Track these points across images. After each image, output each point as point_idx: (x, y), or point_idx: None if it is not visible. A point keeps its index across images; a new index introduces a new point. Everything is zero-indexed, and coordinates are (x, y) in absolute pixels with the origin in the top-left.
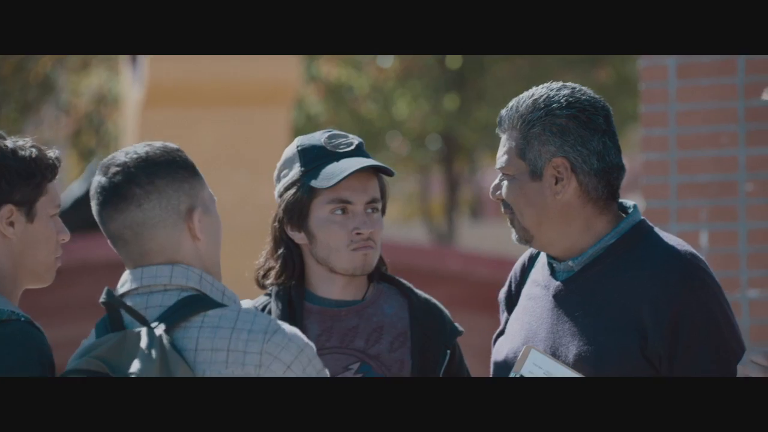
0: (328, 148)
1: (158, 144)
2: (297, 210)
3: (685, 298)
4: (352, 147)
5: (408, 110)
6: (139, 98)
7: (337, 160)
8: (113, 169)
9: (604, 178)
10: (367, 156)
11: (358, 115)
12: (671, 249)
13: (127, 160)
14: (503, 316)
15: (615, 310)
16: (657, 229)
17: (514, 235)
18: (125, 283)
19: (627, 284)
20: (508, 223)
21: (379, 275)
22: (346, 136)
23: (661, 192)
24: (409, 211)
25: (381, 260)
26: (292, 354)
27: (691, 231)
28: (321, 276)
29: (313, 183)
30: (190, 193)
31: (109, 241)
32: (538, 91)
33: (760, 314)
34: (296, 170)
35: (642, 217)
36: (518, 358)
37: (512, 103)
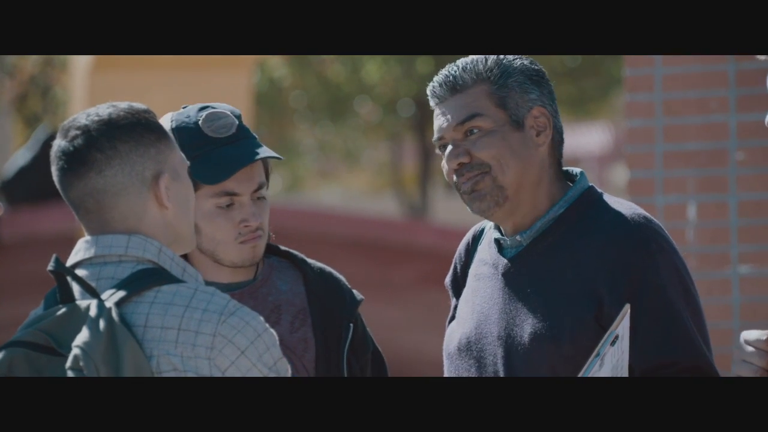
0: (206, 132)
1: (123, 105)
2: None
3: (641, 264)
4: (233, 131)
5: (378, 74)
6: (88, 61)
7: (219, 148)
8: (73, 132)
9: (563, 140)
10: (248, 137)
11: (325, 79)
12: (624, 214)
13: (88, 122)
14: (453, 301)
15: (568, 281)
16: (606, 195)
17: (477, 204)
18: (78, 251)
19: (579, 253)
20: (468, 191)
21: (267, 248)
22: (226, 116)
23: (646, 161)
24: (379, 182)
25: (269, 233)
26: (248, 339)
27: (678, 203)
28: (206, 263)
29: (196, 177)
30: (157, 159)
31: (71, 210)
32: (485, 55)
33: (751, 291)
34: None
35: (590, 184)
36: (620, 315)
37: (461, 64)
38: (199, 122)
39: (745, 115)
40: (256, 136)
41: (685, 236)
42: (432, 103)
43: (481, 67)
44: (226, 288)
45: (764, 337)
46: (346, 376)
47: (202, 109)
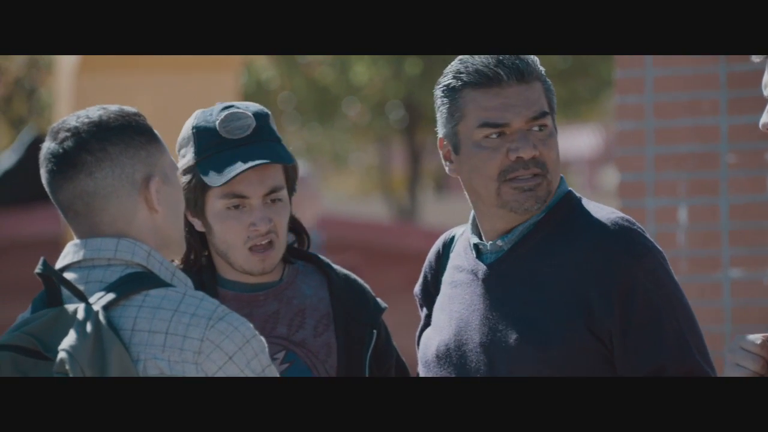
0: (221, 134)
1: (114, 107)
2: (192, 200)
3: (630, 268)
4: (248, 132)
5: (367, 75)
6: (74, 63)
7: (231, 149)
8: (63, 134)
9: None
10: (264, 139)
11: (313, 81)
12: (607, 219)
13: (78, 124)
14: (422, 311)
15: (555, 287)
16: (585, 200)
17: (527, 203)
18: (67, 255)
19: (566, 260)
20: (526, 188)
21: (293, 252)
22: (245, 117)
23: (637, 164)
24: (368, 185)
25: (303, 235)
26: (236, 344)
27: (668, 206)
28: (226, 265)
29: (204, 178)
30: (147, 161)
31: (60, 213)
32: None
33: (742, 295)
34: (190, 156)
35: (569, 188)
36: None
37: (515, 56)
38: (217, 123)
39: (736, 117)
40: (280, 138)
41: (675, 240)
42: (479, 83)
43: (533, 62)
44: (251, 288)
45: (758, 341)
46: None
47: (224, 108)
